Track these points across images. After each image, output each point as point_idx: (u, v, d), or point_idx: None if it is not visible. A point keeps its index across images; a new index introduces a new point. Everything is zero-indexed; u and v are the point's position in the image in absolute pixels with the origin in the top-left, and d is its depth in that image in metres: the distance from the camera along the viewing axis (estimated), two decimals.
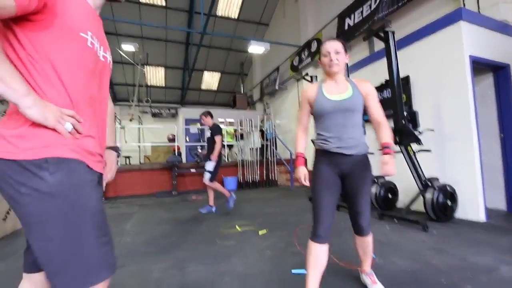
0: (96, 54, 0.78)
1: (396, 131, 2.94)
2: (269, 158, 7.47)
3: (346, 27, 6.13)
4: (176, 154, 7.45)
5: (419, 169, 2.93)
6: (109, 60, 0.87)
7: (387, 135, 1.33)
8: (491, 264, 1.74)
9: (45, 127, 0.67)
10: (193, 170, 6.51)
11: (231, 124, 10.13)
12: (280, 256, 2.08)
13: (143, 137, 12.01)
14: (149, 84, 12.14)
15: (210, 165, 3.75)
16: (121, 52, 9.70)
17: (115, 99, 12.93)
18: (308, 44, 7.66)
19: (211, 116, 4.09)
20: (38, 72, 0.67)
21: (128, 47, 9.42)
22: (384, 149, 1.30)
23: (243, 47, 10.99)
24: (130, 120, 12.83)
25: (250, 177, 7.10)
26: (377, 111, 1.37)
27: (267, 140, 7.82)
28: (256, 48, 7.63)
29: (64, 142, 0.69)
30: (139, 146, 12.80)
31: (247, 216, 3.60)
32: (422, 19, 4.51)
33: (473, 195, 2.89)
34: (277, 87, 9.60)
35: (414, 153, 2.95)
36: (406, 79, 3.64)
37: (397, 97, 2.96)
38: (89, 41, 0.74)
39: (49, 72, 0.68)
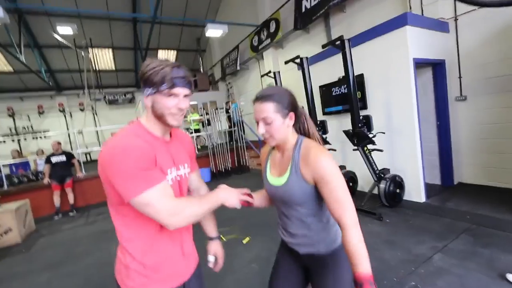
0: (174, 184, 0.93)
1: (354, 134, 3.31)
2: (238, 143, 7.65)
3: (303, 9, 6.11)
4: None
5: (373, 164, 3.40)
6: (183, 174, 0.99)
7: (355, 251, 0.83)
8: (427, 254, 2.27)
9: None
10: None
11: (194, 109, 9.90)
12: (268, 268, 2.40)
13: (100, 127, 11.22)
14: (97, 68, 11.01)
15: None
16: (57, 36, 8.51)
17: (59, 88, 11.61)
18: (266, 24, 7.51)
19: None
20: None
21: (65, 29, 8.28)
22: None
23: (197, 22, 10.33)
24: (82, 110, 11.83)
25: (222, 165, 7.29)
26: (333, 207, 0.88)
27: (234, 125, 7.91)
28: (213, 32, 7.29)
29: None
30: (98, 139, 12.03)
31: (226, 217, 3.59)
32: (377, 5, 4.74)
33: (416, 179, 3.48)
34: (238, 67, 9.43)
35: (369, 151, 3.38)
36: (361, 76, 3.94)
37: (354, 105, 3.28)
38: (169, 178, 0.90)
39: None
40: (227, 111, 8.66)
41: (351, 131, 3.42)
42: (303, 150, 0.93)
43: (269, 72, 5.06)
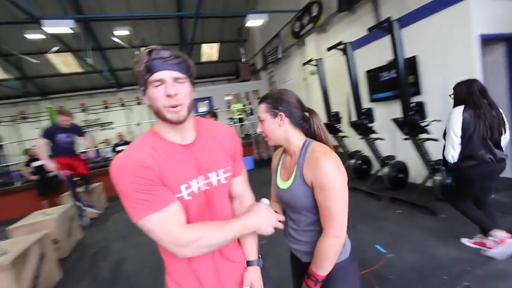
0: (196, 198, 0.77)
1: (404, 123, 3.09)
2: None
3: None
4: None
5: (426, 156, 3.14)
6: (217, 182, 0.81)
7: (326, 257, 0.87)
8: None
9: None
10: None
11: (237, 99, 10.19)
12: None
13: (153, 118, 12.33)
14: None
15: None
16: (114, 39, 9.48)
17: (119, 85, 12.96)
18: (307, 8, 7.22)
19: (215, 116, 4.21)
20: None
21: (121, 32, 9.20)
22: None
23: (237, 13, 10.41)
24: (139, 103, 13.08)
25: (265, 153, 7.44)
26: (322, 214, 0.88)
27: None
28: (254, 22, 7.30)
29: None
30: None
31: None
32: None
33: None
34: (279, 55, 9.31)
35: (422, 141, 3.12)
36: (414, 59, 3.60)
37: (404, 91, 3.04)
38: (185, 195, 0.75)
39: None
40: None
41: (400, 119, 3.20)
42: (309, 153, 0.91)
43: (310, 60, 4.92)
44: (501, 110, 1.94)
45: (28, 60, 9.35)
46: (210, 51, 13.41)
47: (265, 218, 0.82)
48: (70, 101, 12.42)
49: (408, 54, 3.49)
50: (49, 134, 3.63)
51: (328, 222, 0.87)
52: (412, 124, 3.07)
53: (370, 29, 3.38)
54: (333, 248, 0.87)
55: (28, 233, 2.97)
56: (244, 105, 9.10)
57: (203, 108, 10.98)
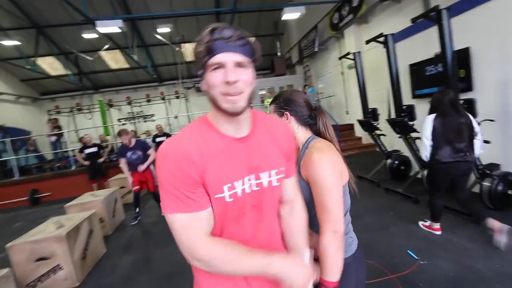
0: (239, 200, 0.68)
1: None
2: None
3: None
4: None
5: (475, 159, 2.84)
6: (268, 183, 0.72)
7: (328, 257, 0.82)
8: None
9: None
10: None
11: (271, 93, 10.16)
12: None
13: (190, 112, 12.94)
14: (188, 60, 12.49)
15: None
16: (157, 36, 10.05)
17: (160, 80, 13.77)
18: None
19: None
20: None
21: (163, 29, 9.74)
22: None
23: (274, 6, 10.31)
24: (177, 97, 13.78)
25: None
26: (317, 209, 0.88)
27: None
28: (290, 15, 7.17)
29: None
30: (189, 122, 13.84)
31: None
32: None
33: None
34: (316, 49, 9.04)
35: None
36: (465, 51, 3.25)
37: (451, 87, 2.76)
38: (227, 197, 0.66)
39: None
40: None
41: None
42: (308, 149, 0.93)
43: (348, 53, 4.71)
44: (471, 118, 2.32)
45: (84, 57, 10.39)
46: None
47: (297, 274, 0.66)
48: (117, 95, 13.57)
49: (459, 46, 3.16)
50: (121, 153, 4.07)
51: (323, 217, 0.85)
52: None
53: (414, 20, 3.13)
54: (331, 244, 0.82)
55: (80, 211, 3.36)
56: None
57: None
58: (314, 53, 9.48)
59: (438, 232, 2.51)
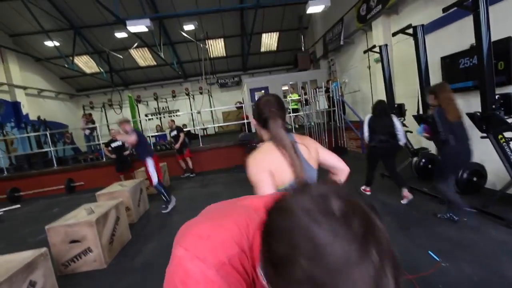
0: None
1: (483, 118, 2.61)
2: (337, 123, 7.33)
3: None
4: (245, 123, 8.20)
5: (511, 159, 2.61)
6: None
7: None
8: None
9: None
10: None
11: (294, 89, 10.04)
12: None
13: (213, 107, 13.21)
14: (211, 56, 12.70)
15: None
16: (183, 34, 10.32)
17: (185, 76, 14.15)
18: None
19: None
20: None
21: (189, 26, 9.98)
22: None
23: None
24: (200, 93, 14.11)
25: None
26: None
27: (334, 105, 7.58)
28: (315, 8, 7.00)
29: None
30: (212, 117, 14.12)
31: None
32: None
33: None
34: (342, 42, 8.76)
35: (506, 140, 2.61)
36: (506, 41, 2.97)
37: (486, 80, 2.56)
38: None
39: None
40: (327, 90, 8.34)
41: (478, 113, 2.72)
42: None
43: (374, 46, 4.52)
44: (394, 119, 3.32)
45: (115, 55, 10.98)
46: (269, 41, 13.44)
47: None
48: (145, 91, 14.20)
49: (497, 36, 2.92)
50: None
51: None
52: (494, 120, 2.58)
53: (445, 9, 2.92)
54: None
55: (109, 199, 3.61)
56: (299, 96, 8.93)
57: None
58: (339, 47, 9.20)
59: (368, 193, 3.83)
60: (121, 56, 10.99)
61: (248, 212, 0.51)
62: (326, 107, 7.99)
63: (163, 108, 14.46)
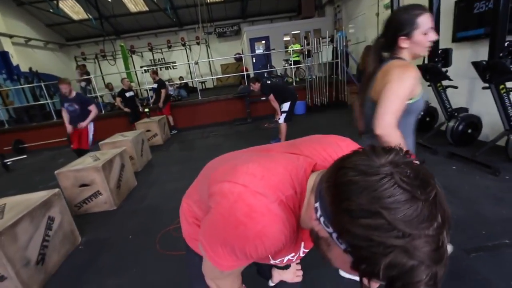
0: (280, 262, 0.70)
1: (487, 67, 2.55)
2: (339, 77, 7.14)
3: None
4: (245, 75, 7.95)
5: (509, 108, 2.63)
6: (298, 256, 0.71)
7: None
8: None
9: None
10: (263, 98, 6.97)
11: (296, 39, 9.48)
12: None
13: (211, 58, 12.66)
14: (208, 1, 11.69)
15: (285, 105, 4.14)
16: None
17: (181, 24, 13.24)
18: None
19: (259, 81, 4.34)
20: None
21: None
22: None
23: None
24: (197, 43, 13.38)
25: (318, 100, 7.17)
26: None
27: (337, 56, 7.27)
28: None
29: None
30: (210, 69, 13.65)
31: None
32: None
33: None
34: None
35: (507, 91, 2.59)
36: None
37: (497, 24, 2.42)
38: (274, 261, 0.68)
39: None
40: (332, 41, 7.90)
41: (484, 62, 2.65)
42: (388, 65, 1.15)
43: None
44: None
45: (104, 0, 10.10)
46: None
47: None
48: (139, 40, 13.42)
49: None
50: (61, 102, 3.95)
51: (379, 111, 1.10)
52: (498, 68, 2.52)
53: None
54: (390, 131, 1.06)
55: (112, 148, 3.72)
56: (302, 46, 8.48)
57: (259, 49, 10.65)
58: None
59: None
60: (109, 0, 10.12)
61: (296, 163, 0.54)
62: (330, 59, 7.66)
63: (158, 60, 13.87)
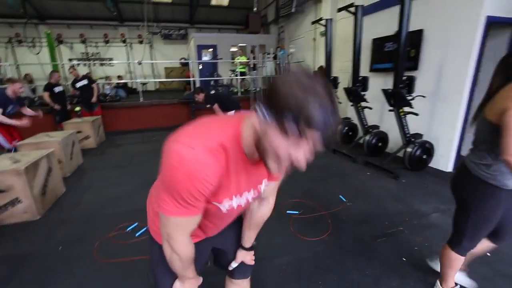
0: (230, 210, 0.77)
1: (392, 94, 3.27)
2: None
3: None
4: (190, 82, 7.90)
5: (405, 127, 3.40)
6: (249, 199, 0.80)
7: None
8: (427, 211, 2.47)
9: None
10: (208, 106, 7.04)
11: (243, 51, 9.91)
12: None
13: (155, 59, 12.10)
14: (155, 0, 11.27)
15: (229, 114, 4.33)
16: None
17: (122, 19, 12.35)
18: None
19: (203, 92, 4.55)
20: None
21: None
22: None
23: None
24: (140, 42, 12.64)
25: None
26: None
27: (280, 73, 7.91)
28: None
29: None
30: (153, 71, 13.02)
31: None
32: None
33: (448, 149, 3.43)
34: (293, 9, 8.84)
35: (404, 114, 3.34)
36: (419, 33, 3.61)
37: (399, 64, 3.15)
38: (223, 208, 0.74)
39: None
40: (274, 57, 8.54)
41: (390, 90, 3.37)
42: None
43: (320, 19, 4.82)
44: None
45: None
46: None
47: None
48: (69, 30, 11.94)
49: (415, 27, 3.49)
50: (4, 104, 3.50)
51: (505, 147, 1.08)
52: (398, 96, 3.25)
53: None
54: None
55: (35, 150, 3.28)
56: (248, 59, 8.94)
57: (206, 56, 10.72)
58: (290, 14, 9.27)
59: None
60: None
61: (231, 118, 0.71)
62: (274, 73, 8.27)
63: (92, 54, 12.56)
